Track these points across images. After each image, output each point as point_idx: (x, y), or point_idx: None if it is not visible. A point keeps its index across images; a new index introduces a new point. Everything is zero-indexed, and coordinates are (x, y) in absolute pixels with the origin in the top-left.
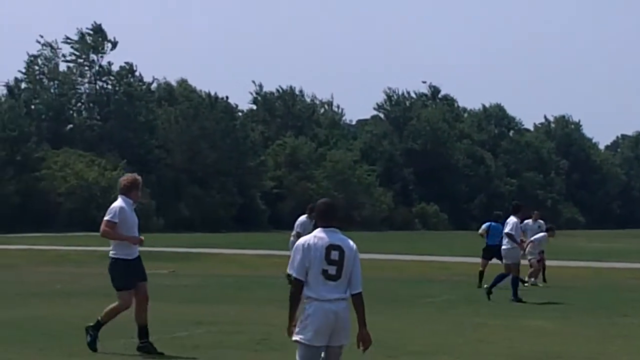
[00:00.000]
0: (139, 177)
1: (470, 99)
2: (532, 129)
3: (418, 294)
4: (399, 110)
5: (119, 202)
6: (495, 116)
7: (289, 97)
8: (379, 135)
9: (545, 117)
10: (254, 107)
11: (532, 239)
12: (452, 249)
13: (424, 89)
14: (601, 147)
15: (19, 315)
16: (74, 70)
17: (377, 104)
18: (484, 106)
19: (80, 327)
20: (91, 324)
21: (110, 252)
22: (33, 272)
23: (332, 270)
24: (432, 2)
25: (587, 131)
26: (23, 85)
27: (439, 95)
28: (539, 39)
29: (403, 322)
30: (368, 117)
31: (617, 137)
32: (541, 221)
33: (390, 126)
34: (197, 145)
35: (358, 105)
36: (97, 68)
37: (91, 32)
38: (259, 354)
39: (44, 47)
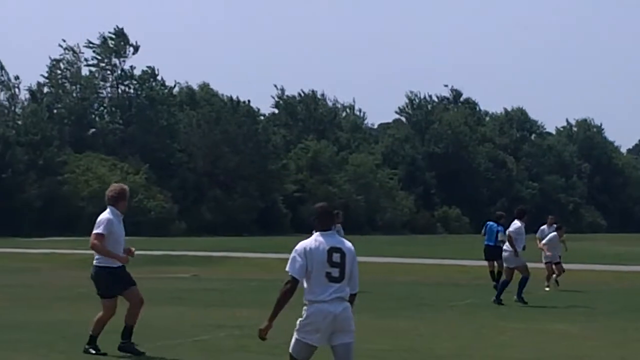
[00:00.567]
0: (125, 187)
1: (492, 103)
2: (554, 132)
3: (441, 298)
4: (420, 113)
5: (107, 214)
6: (517, 120)
7: (310, 101)
8: (400, 139)
9: (567, 120)
10: (276, 111)
11: (543, 242)
12: (474, 252)
13: (446, 93)
14: (623, 150)
15: (42, 318)
16: (96, 75)
17: (399, 108)
18: (505, 110)
19: (104, 330)
20: (86, 345)
21: (95, 260)
22: (56, 275)
23: (335, 272)
24: (454, 5)
25: (609, 134)
26: (45, 89)
27: (461, 99)
28: (561, 42)
29: (427, 326)
30: (390, 120)
31: (639, 140)
32: (556, 226)
33: (412, 130)
34: (219, 149)
35: (380, 109)
36: (119, 72)
37: (113, 36)
38: (280, 358)
39: (67, 52)
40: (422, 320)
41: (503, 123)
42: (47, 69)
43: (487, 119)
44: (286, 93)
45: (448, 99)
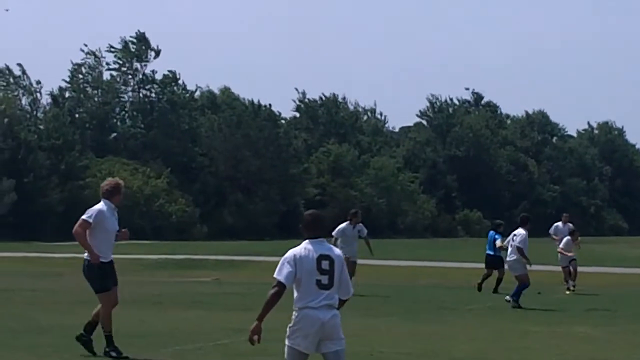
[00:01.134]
0: (121, 182)
1: (513, 106)
2: (575, 135)
3: (462, 300)
4: (441, 117)
5: (99, 205)
6: (539, 122)
7: (332, 105)
8: (422, 142)
9: (588, 123)
10: (297, 114)
11: (560, 246)
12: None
13: (467, 96)
14: None
15: (65, 323)
16: (118, 79)
17: (420, 111)
18: (527, 112)
19: (125, 334)
20: (107, 348)
21: (85, 254)
22: (78, 280)
23: (324, 279)
24: (474, 8)
25: (631, 137)
26: (67, 94)
27: (482, 102)
28: (582, 45)
29: (448, 329)
30: (411, 124)
31: None
32: (570, 224)
33: (433, 133)
34: (240, 153)
35: (401, 112)
36: (140, 76)
37: (135, 41)
38: None
39: (88, 56)
40: (443, 324)
41: (524, 126)
42: (68, 74)
43: (509, 122)
44: (307, 97)
45: (469, 102)
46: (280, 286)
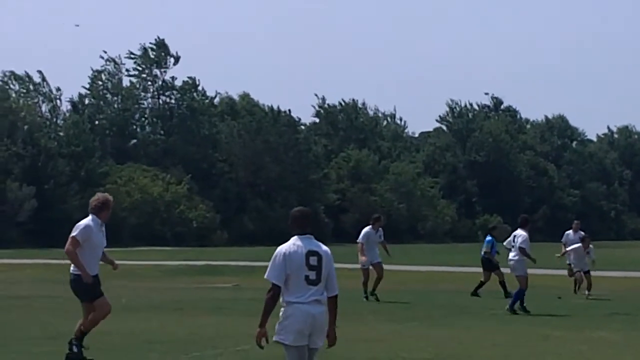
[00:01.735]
0: (110, 198)
1: (532, 110)
2: (595, 139)
3: (482, 305)
4: (461, 122)
5: (86, 220)
6: (558, 127)
7: (351, 110)
8: (441, 148)
9: (608, 127)
10: (317, 120)
11: (568, 249)
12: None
13: (487, 101)
14: None
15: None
16: (137, 85)
17: (439, 116)
18: (546, 117)
19: (145, 340)
20: (74, 341)
21: (71, 268)
22: None
23: (312, 275)
24: (494, 13)
25: None
26: (87, 100)
27: (502, 107)
28: (601, 50)
29: (469, 333)
30: (431, 129)
31: None
32: (582, 232)
33: (452, 138)
34: (260, 159)
35: (421, 118)
36: (160, 83)
37: (154, 47)
38: None
39: (108, 63)
40: (464, 329)
41: (544, 131)
42: (88, 81)
43: (528, 126)
44: (327, 102)
45: (489, 107)
46: (275, 288)
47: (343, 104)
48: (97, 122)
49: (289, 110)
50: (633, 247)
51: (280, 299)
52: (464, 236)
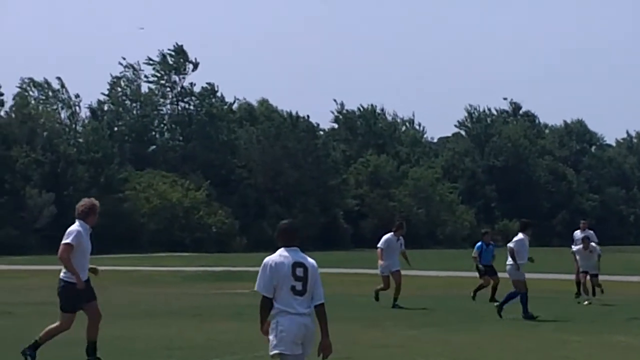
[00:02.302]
0: (96, 202)
1: (551, 115)
2: (614, 144)
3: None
4: (480, 127)
5: (76, 226)
6: (577, 132)
7: (370, 116)
8: (460, 153)
9: (627, 132)
10: (336, 125)
11: (574, 250)
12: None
13: (505, 106)
14: None
15: (104, 335)
16: (156, 92)
17: (458, 121)
18: (565, 122)
19: (164, 346)
20: (27, 350)
21: (62, 274)
22: (118, 292)
23: (299, 286)
24: (512, 18)
25: None
26: (106, 107)
27: (520, 112)
28: (620, 54)
29: (487, 338)
30: (449, 134)
31: None
32: (590, 231)
33: (471, 143)
34: (279, 164)
35: (439, 123)
36: (178, 89)
37: (173, 53)
38: None
39: (127, 69)
40: (482, 334)
41: (563, 135)
42: (107, 87)
43: (547, 131)
44: (346, 108)
45: (507, 112)
46: (267, 301)
47: (362, 109)
48: (116, 129)
49: (308, 116)
50: None
51: (272, 311)
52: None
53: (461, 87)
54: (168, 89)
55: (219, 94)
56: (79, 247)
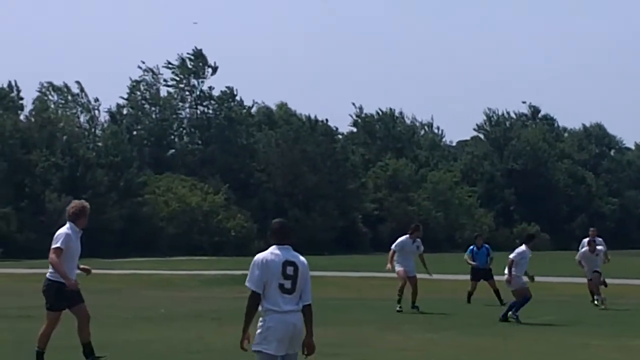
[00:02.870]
0: (86, 205)
1: (570, 119)
2: (633, 147)
3: (522, 314)
4: (499, 130)
5: (65, 229)
6: (596, 135)
7: (389, 119)
8: (479, 156)
9: None
10: (354, 129)
11: (579, 255)
12: (553, 269)
13: (524, 109)
14: None
15: (124, 338)
16: (175, 96)
17: (477, 125)
18: (584, 125)
19: (183, 350)
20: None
21: (48, 273)
22: (137, 296)
23: (287, 284)
24: (530, 22)
25: None
26: (125, 111)
27: (539, 115)
28: (638, 57)
29: (507, 342)
30: (468, 137)
31: None
32: (599, 239)
33: (490, 147)
34: (297, 168)
35: (458, 126)
36: (197, 93)
37: (192, 57)
38: None
39: (146, 73)
40: (502, 337)
41: (582, 139)
42: (126, 91)
43: (566, 135)
44: (364, 111)
45: (526, 115)
46: (255, 295)
47: (380, 113)
48: (135, 132)
49: (326, 120)
50: None
51: (260, 309)
52: (501, 245)
53: (480, 90)
54: (187, 92)
55: (237, 98)
56: (68, 250)
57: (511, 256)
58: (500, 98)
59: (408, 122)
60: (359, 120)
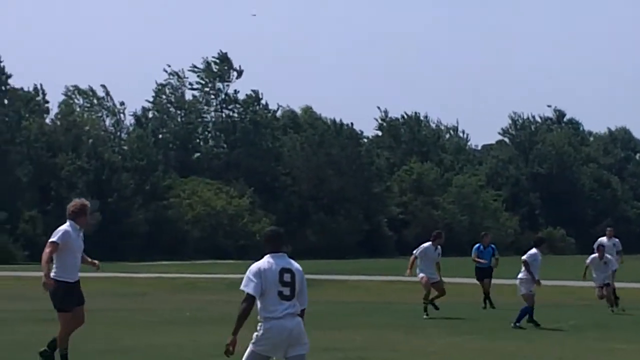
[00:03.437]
0: (87, 203)
1: (595, 123)
2: None
3: (545, 318)
4: (524, 134)
5: (64, 226)
6: (621, 139)
7: (414, 123)
8: (504, 160)
9: None
10: (379, 133)
11: (588, 261)
12: (579, 273)
13: (549, 113)
14: None
15: (149, 342)
16: (200, 99)
17: (502, 129)
18: (609, 129)
19: (207, 354)
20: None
21: (52, 273)
22: (163, 300)
23: (286, 291)
24: (556, 25)
25: None
26: (150, 114)
27: (564, 119)
28: None
29: (531, 346)
30: (493, 141)
31: None
32: (616, 239)
33: (515, 151)
34: (323, 172)
35: (483, 130)
36: (223, 96)
37: (217, 61)
38: None
39: (171, 76)
40: (527, 342)
41: (607, 143)
42: (152, 94)
43: (591, 139)
44: (389, 115)
45: (551, 119)
46: (250, 299)
47: (405, 117)
48: (160, 136)
49: (352, 124)
50: None
51: (258, 316)
52: (527, 249)
53: (505, 94)
54: (212, 96)
55: (263, 102)
56: (67, 247)
57: (525, 258)
58: (526, 102)
59: (433, 125)
60: (384, 124)
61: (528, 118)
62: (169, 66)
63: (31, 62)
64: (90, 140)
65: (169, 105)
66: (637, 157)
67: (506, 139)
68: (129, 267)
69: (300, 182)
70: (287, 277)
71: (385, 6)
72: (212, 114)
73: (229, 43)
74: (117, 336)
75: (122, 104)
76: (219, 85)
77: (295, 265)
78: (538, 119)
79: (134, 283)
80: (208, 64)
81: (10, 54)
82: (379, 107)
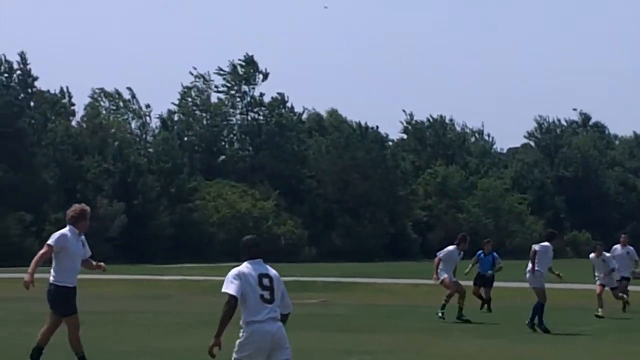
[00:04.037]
0: (86, 208)
1: (621, 126)
2: None
3: (570, 322)
4: (549, 138)
5: (64, 230)
6: None
7: (439, 126)
8: (529, 164)
9: None
10: (405, 136)
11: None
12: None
13: (575, 116)
14: None
15: (175, 345)
16: (226, 102)
17: (527, 132)
18: (635, 133)
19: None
20: None
21: (51, 278)
22: (188, 302)
23: (266, 294)
24: (581, 30)
25: None
26: (176, 117)
27: (590, 123)
28: None
29: (553, 350)
30: (518, 145)
31: None
32: (631, 247)
33: (540, 154)
34: (348, 175)
35: (508, 134)
36: (248, 99)
37: (243, 64)
38: None
39: (197, 79)
40: (552, 345)
41: (633, 146)
42: (178, 97)
43: (617, 142)
44: (415, 118)
45: (577, 122)
46: (233, 300)
47: (431, 120)
48: (186, 139)
49: (377, 127)
50: None
51: (240, 322)
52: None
53: (530, 97)
54: (238, 99)
55: (288, 104)
56: (66, 252)
57: (536, 247)
58: (551, 105)
59: (458, 129)
60: (410, 127)
61: (553, 121)
62: (195, 69)
63: (57, 65)
64: (116, 143)
65: (194, 108)
66: None
67: (531, 142)
68: (154, 269)
69: (326, 185)
70: (266, 281)
71: (412, 9)
72: (238, 116)
73: (255, 46)
74: (144, 338)
75: (147, 106)
76: (245, 88)
77: (272, 271)
78: (564, 123)
79: (160, 285)
80: (234, 66)
81: (37, 57)
82: (404, 110)
